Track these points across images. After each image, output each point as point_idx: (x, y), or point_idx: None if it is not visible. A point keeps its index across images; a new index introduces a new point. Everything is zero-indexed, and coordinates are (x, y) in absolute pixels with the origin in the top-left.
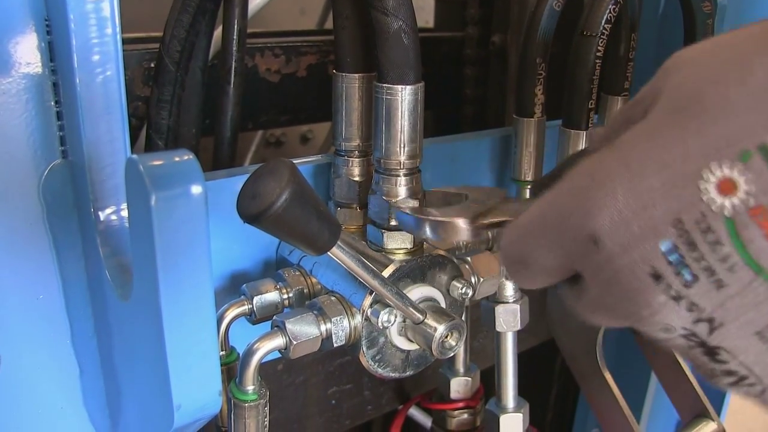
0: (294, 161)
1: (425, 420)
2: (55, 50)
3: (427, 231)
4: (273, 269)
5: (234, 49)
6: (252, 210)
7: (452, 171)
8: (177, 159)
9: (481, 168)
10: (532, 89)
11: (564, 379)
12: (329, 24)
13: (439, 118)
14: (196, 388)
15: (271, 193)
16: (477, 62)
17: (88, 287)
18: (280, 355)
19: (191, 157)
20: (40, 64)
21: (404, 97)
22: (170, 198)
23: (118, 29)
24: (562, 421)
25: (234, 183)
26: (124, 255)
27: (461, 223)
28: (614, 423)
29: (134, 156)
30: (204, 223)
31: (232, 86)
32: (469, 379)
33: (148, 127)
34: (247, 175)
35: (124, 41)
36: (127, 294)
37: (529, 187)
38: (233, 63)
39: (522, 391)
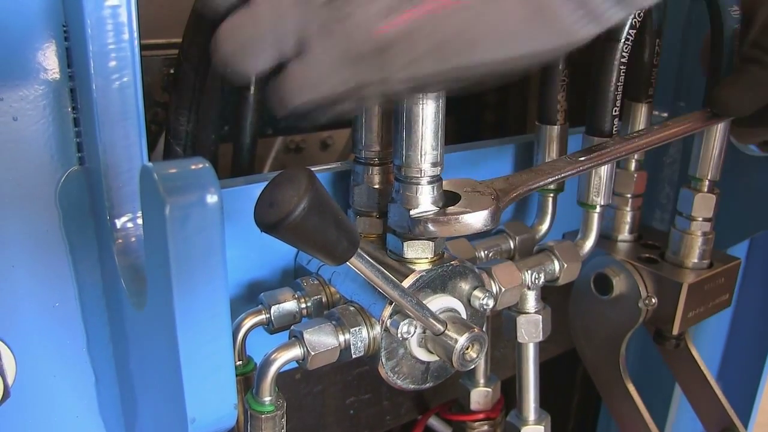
0: (313, 168)
1: (445, 430)
2: (72, 56)
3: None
4: (291, 278)
5: None
6: (269, 219)
7: (475, 177)
8: (192, 167)
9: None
10: (555, 96)
11: (586, 388)
12: None
13: (459, 124)
14: (211, 402)
15: (289, 201)
16: None
17: (104, 295)
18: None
19: (206, 164)
20: (57, 70)
21: (426, 104)
22: (185, 206)
23: (135, 35)
24: (586, 423)
25: (252, 190)
26: (140, 263)
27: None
28: (632, 427)
29: (148, 163)
30: (219, 231)
31: (251, 92)
32: (490, 390)
33: (167, 133)
34: (266, 183)
35: (144, 47)
36: (142, 303)
37: (551, 195)
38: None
39: (543, 400)
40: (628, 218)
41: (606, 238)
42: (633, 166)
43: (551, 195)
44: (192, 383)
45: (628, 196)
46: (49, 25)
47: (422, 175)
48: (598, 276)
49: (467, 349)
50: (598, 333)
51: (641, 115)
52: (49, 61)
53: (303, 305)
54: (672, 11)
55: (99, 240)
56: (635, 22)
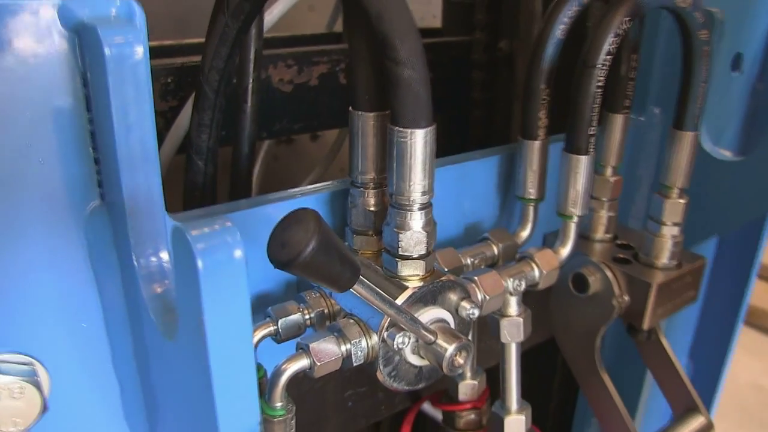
0: (311, 188)
1: (436, 413)
2: (92, 103)
3: None
4: (294, 290)
5: (251, 69)
6: (282, 258)
7: (461, 189)
8: (218, 227)
9: (488, 185)
10: (537, 114)
11: (565, 374)
12: (338, 26)
13: (448, 122)
14: (239, 421)
15: (299, 242)
16: (484, 67)
17: (128, 316)
18: None
19: (230, 223)
20: (78, 115)
21: (415, 141)
22: (216, 264)
23: (150, 87)
24: (565, 407)
25: (255, 213)
26: (166, 296)
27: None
28: (611, 419)
29: (179, 225)
30: (244, 279)
31: (249, 104)
32: (476, 382)
33: (189, 148)
34: (267, 206)
35: None
36: (171, 334)
37: (532, 204)
38: (250, 82)
39: (526, 384)
40: (605, 220)
41: (584, 238)
42: (609, 172)
43: (532, 204)
44: (223, 406)
45: (605, 199)
46: (69, 75)
47: (413, 203)
48: (575, 275)
49: (455, 356)
50: (575, 327)
51: (618, 124)
52: (71, 105)
53: (307, 316)
54: (649, 27)
55: (122, 270)
56: (612, 48)
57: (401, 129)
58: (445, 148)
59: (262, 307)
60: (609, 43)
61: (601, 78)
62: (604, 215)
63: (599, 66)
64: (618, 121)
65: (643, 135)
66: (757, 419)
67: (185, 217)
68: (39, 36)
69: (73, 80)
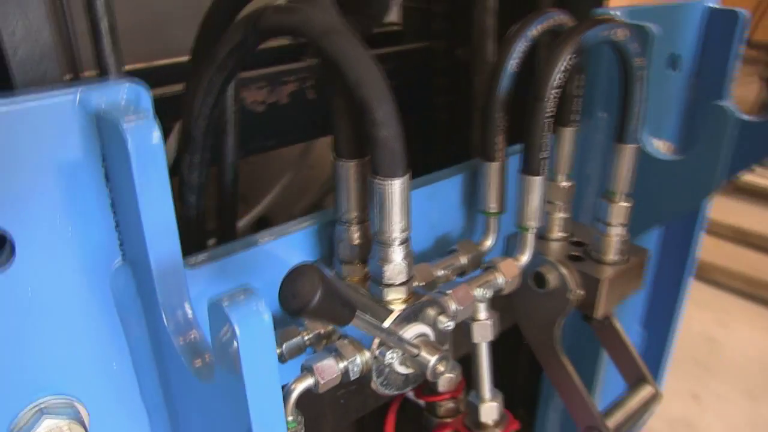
0: (299, 226)
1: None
2: (110, 177)
3: None
4: None
5: (231, 103)
6: (294, 307)
7: (430, 206)
8: (242, 296)
9: (453, 201)
10: (494, 139)
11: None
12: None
13: (412, 125)
14: None
15: (308, 294)
16: (445, 72)
17: (153, 355)
18: None
19: (255, 291)
20: (99, 187)
21: (394, 188)
22: (250, 328)
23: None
24: (532, 381)
25: (247, 255)
26: (197, 343)
27: None
28: (572, 396)
29: (216, 300)
30: (272, 336)
31: (230, 135)
32: (453, 375)
33: (181, 184)
34: (264, 244)
35: None
36: (207, 376)
37: (494, 216)
38: (231, 115)
39: (496, 364)
40: (559, 221)
41: (541, 238)
42: (561, 178)
43: (494, 217)
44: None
45: (559, 203)
46: (91, 153)
47: (394, 240)
48: (535, 274)
49: (437, 365)
50: (536, 318)
51: (568, 136)
52: (94, 181)
53: (306, 338)
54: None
55: (146, 316)
56: (559, 83)
57: (381, 179)
58: (410, 151)
59: None
60: (556, 79)
61: (550, 110)
62: (558, 217)
63: (548, 99)
64: (568, 133)
65: (591, 137)
66: (708, 367)
67: (197, 261)
68: (65, 123)
69: (94, 158)
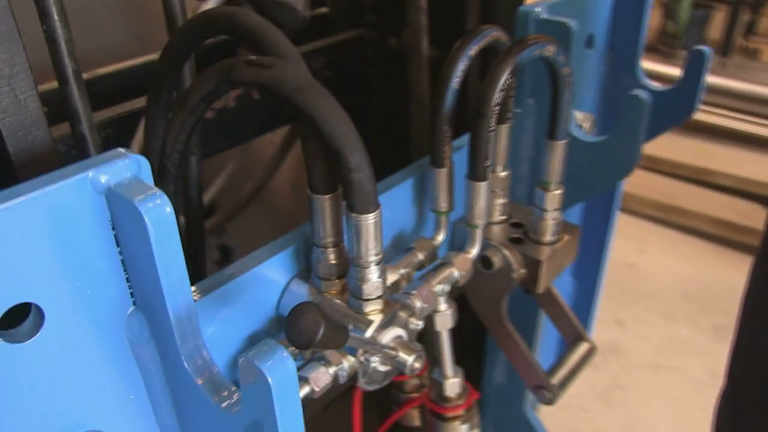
0: (280, 244)
1: None
2: (120, 242)
3: None
4: (275, 323)
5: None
6: (302, 342)
7: (385, 208)
8: (266, 348)
9: (406, 203)
10: (442, 149)
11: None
12: None
13: (347, 112)
14: None
15: (313, 329)
16: (377, 61)
17: (168, 386)
18: None
19: (276, 342)
20: (111, 251)
21: (369, 221)
22: (280, 377)
23: (177, 234)
24: (477, 334)
25: (236, 284)
26: (215, 378)
27: None
28: (518, 357)
29: (246, 357)
30: (296, 380)
31: (194, 156)
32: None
33: None
34: (252, 270)
35: None
36: (234, 408)
37: (444, 215)
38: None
39: None
40: (499, 206)
41: None
42: (500, 169)
43: (444, 215)
44: None
45: (498, 191)
46: (104, 224)
47: (370, 263)
48: (482, 257)
49: (414, 363)
50: (484, 294)
51: (504, 132)
52: (106, 247)
53: (291, 347)
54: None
55: (162, 356)
56: (499, 100)
57: (357, 215)
58: None
59: (255, 343)
60: (496, 97)
61: (492, 124)
62: (498, 202)
63: (490, 117)
64: (504, 130)
65: (521, 122)
66: (629, 292)
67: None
68: (79, 201)
69: (105, 227)
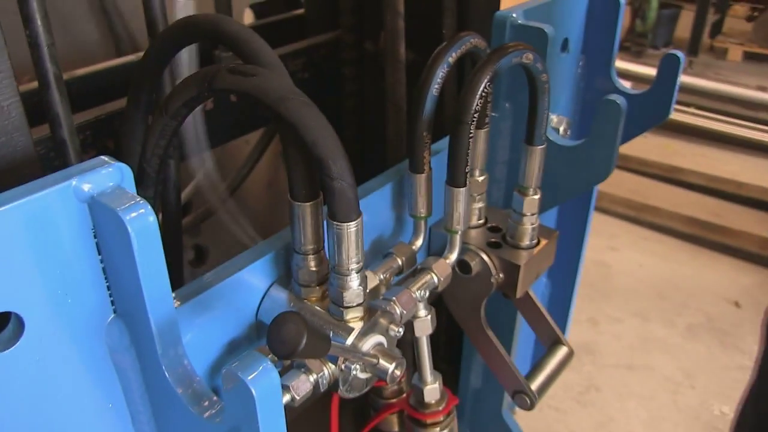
0: (259, 249)
1: None
2: (101, 249)
3: None
4: (255, 330)
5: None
6: (285, 352)
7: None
8: (250, 359)
9: (385, 207)
10: (422, 154)
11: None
12: None
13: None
14: None
15: (295, 339)
16: (353, 63)
17: (148, 397)
18: None
19: (260, 354)
20: (93, 259)
21: (350, 230)
22: (264, 387)
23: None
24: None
25: (217, 290)
26: (199, 389)
27: None
28: (496, 362)
29: (229, 368)
30: (280, 392)
31: (172, 159)
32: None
33: None
34: (234, 276)
35: None
36: (210, 417)
37: (423, 220)
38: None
39: None
40: (477, 210)
41: None
42: (478, 173)
43: (423, 220)
44: None
45: (476, 195)
46: (85, 232)
47: (351, 270)
48: (460, 262)
49: (395, 371)
50: (462, 299)
51: (482, 137)
52: (88, 255)
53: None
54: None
55: (141, 364)
56: (478, 107)
57: (338, 223)
58: None
59: (234, 351)
60: (475, 104)
61: (472, 130)
62: (476, 207)
63: (469, 122)
64: (482, 134)
65: (498, 126)
66: (602, 291)
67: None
68: (62, 209)
69: (87, 235)
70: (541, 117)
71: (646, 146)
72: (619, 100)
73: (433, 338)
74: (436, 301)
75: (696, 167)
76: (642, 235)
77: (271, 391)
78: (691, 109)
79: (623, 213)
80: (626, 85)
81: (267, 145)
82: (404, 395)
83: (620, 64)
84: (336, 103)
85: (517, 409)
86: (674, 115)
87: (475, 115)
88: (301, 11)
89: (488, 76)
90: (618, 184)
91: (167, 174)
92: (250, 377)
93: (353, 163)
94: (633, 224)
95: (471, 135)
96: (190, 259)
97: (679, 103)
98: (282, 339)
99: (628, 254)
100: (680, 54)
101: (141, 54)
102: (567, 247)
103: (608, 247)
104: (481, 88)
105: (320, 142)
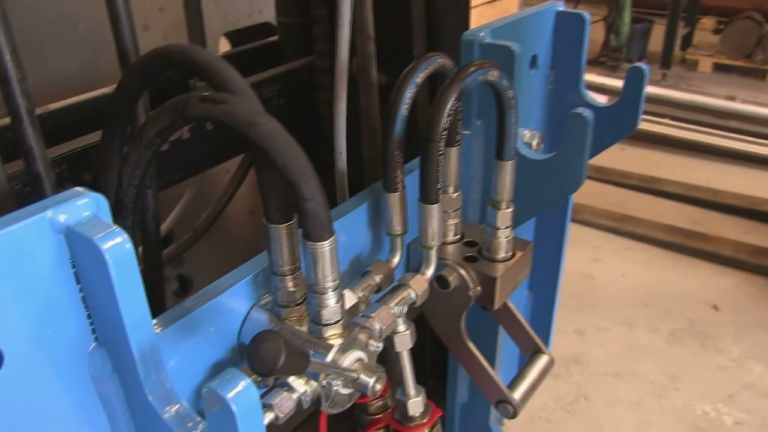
0: (241, 272)
1: None
2: (80, 279)
3: None
4: (237, 351)
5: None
6: (262, 370)
7: (342, 235)
8: (229, 377)
9: (362, 226)
10: (394, 174)
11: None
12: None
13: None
14: None
15: (274, 357)
16: (328, 87)
17: (133, 422)
18: None
19: (238, 370)
20: (71, 288)
21: (324, 249)
22: (244, 404)
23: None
24: (439, 352)
25: (192, 318)
26: (176, 405)
27: None
28: (479, 375)
29: (209, 386)
30: (259, 406)
31: (150, 189)
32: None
33: None
34: (215, 299)
35: None
36: None
37: (399, 237)
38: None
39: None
40: (453, 226)
41: None
42: (452, 190)
43: (399, 237)
44: None
45: (451, 211)
46: (63, 262)
47: (327, 289)
48: (438, 277)
49: (375, 385)
50: (442, 313)
51: (454, 154)
52: (66, 285)
53: (254, 375)
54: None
55: (124, 389)
56: (446, 125)
57: (313, 243)
58: None
59: (218, 372)
60: (443, 122)
61: (441, 147)
62: (452, 223)
63: (439, 140)
64: (454, 152)
65: (470, 144)
66: (587, 302)
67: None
68: (39, 240)
69: (64, 265)
70: (509, 132)
71: (625, 158)
72: (586, 112)
73: (419, 354)
74: (419, 318)
75: (674, 177)
76: (624, 245)
77: (250, 406)
78: (666, 120)
79: (605, 225)
80: (603, 98)
81: (246, 172)
82: (389, 410)
83: (597, 78)
84: (313, 128)
85: (507, 420)
86: (651, 127)
87: (444, 133)
88: (275, 38)
89: (455, 95)
90: (599, 196)
91: (145, 204)
92: (229, 394)
93: (332, 186)
94: (615, 235)
95: (441, 152)
96: (175, 289)
97: (654, 114)
98: (261, 357)
99: (611, 265)
100: (644, 66)
101: (114, 86)
102: (546, 259)
103: (592, 258)
104: (449, 107)
105: (290, 165)
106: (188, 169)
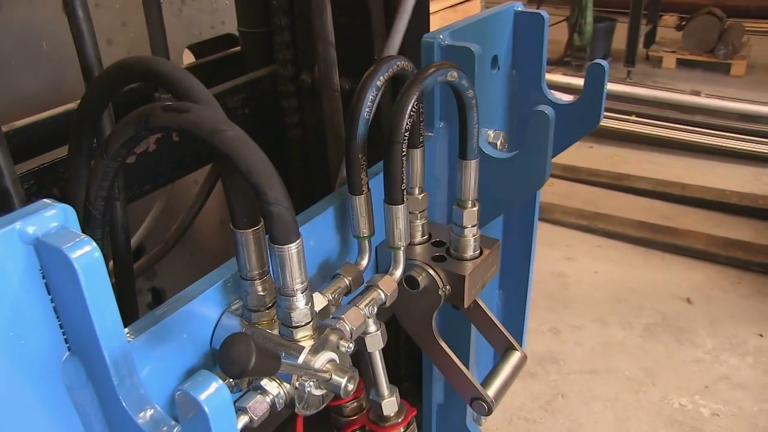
0: (212, 278)
1: None
2: (51, 290)
3: None
4: (210, 357)
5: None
6: (234, 372)
7: (310, 239)
8: (200, 379)
9: (329, 230)
10: (359, 176)
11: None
12: None
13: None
14: None
15: (245, 360)
16: (291, 95)
17: (109, 430)
18: None
19: (209, 372)
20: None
21: (291, 252)
22: (215, 404)
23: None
24: (413, 354)
25: (164, 325)
26: (151, 410)
27: None
28: (453, 373)
29: (182, 389)
30: (232, 405)
31: (119, 201)
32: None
33: None
34: (187, 305)
35: None
36: None
37: (366, 239)
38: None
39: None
40: (420, 227)
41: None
42: (417, 191)
43: (367, 239)
44: None
45: (417, 212)
46: (33, 274)
47: (296, 291)
48: (407, 278)
49: (347, 385)
50: (413, 313)
51: (418, 156)
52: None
53: (228, 380)
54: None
55: (99, 396)
56: (408, 126)
57: (280, 246)
58: None
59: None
60: (405, 123)
61: (404, 149)
62: (419, 224)
63: (401, 141)
64: (418, 153)
65: (434, 145)
66: (561, 301)
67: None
68: (7, 252)
69: (35, 277)
70: (471, 131)
71: (594, 157)
72: (547, 110)
73: (394, 357)
74: (393, 320)
75: (642, 173)
76: (596, 243)
77: (223, 406)
78: (633, 117)
79: (577, 223)
80: (569, 97)
81: (215, 182)
82: (365, 411)
83: (562, 78)
84: (279, 136)
85: (485, 420)
86: (618, 124)
87: (406, 134)
88: (237, 49)
89: (415, 96)
90: (570, 195)
91: (114, 216)
92: (201, 395)
93: (300, 193)
94: (587, 233)
95: (404, 153)
96: (148, 302)
97: (621, 112)
98: (232, 359)
99: (584, 263)
100: (604, 62)
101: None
102: (516, 257)
103: (564, 257)
104: (409, 108)
105: (255, 170)
106: (156, 180)
